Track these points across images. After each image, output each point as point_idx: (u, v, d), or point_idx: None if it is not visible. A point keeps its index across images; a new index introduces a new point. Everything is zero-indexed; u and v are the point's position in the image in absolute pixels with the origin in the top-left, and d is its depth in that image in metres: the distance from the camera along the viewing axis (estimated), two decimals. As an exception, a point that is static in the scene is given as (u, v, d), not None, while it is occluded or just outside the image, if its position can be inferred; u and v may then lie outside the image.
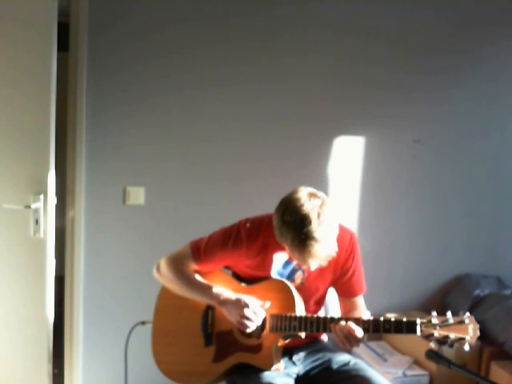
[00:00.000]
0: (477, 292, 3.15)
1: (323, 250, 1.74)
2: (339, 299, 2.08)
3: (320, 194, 1.81)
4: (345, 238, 1.96)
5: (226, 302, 1.92)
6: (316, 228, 1.71)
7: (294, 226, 1.72)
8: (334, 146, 3.11)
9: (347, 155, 3.14)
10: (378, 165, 3.19)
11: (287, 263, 1.98)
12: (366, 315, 1.82)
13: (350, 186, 3.17)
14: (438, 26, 3.16)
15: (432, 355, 1.71)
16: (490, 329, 2.89)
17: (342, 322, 1.78)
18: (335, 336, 1.80)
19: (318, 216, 1.73)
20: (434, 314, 1.71)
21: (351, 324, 1.77)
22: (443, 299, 3.28)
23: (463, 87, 3.24)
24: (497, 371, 2.77)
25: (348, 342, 1.78)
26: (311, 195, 1.78)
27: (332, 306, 2.13)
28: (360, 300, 2.06)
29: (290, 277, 1.98)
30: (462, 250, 3.34)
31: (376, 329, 1.75)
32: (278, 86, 2.97)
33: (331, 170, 3.11)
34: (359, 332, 1.76)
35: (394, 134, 3.19)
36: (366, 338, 1.80)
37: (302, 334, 1.88)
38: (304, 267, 1.90)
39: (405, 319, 1.72)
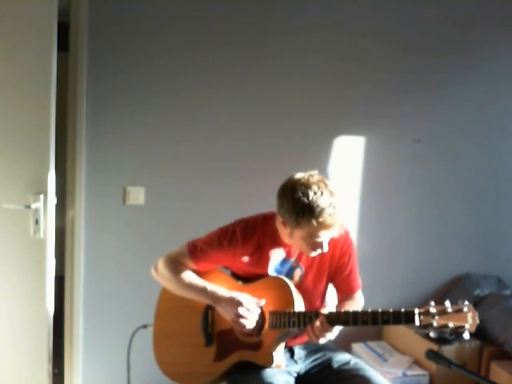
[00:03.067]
0: (477, 292, 3.15)
1: (339, 217, 1.80)
2: (338, 295, 2.10)
3: (314, 172, 1.87)
4: (340, 235, 1.98)
5: (220, 300, 1.93)
6: (329, 197, 1.79)
7: (307, 200, 1.77)
8: (334, 146, 3.11)
9: (348, 154, 3.14)
10: (379, 164, 3.19)
11: (284, 261, 1.99)
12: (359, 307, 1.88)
13: (351, 185, 3.17)
14: (438, 25, 3.16)
15: (432, 355, 1.71)
16: (489, 329, 2.89)
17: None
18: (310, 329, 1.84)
19: (326, 186, 1.81)
20: (432, 303, 1.72)
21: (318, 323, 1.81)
22: (443, 299, 3.26)
23: (463, 87, 3.24)
24: (497, 371, 2.76)
25: (314, 335, 1.83)
26: (309, 174, 1.85)
27: (332, 302, 2.14)
28: (358, 294, 2.10)
29: (289, 274, 1.99)
30: (462, 250, 3.34)
31: (374, 321, 1.76)
32: (278, 85, 2.97)
33: (332, 170, 3.11)
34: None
35: (395, 134, 3.19)
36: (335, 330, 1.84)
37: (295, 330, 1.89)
38: (315, 253, 1.90)
39: (403, 310, 1.73)
